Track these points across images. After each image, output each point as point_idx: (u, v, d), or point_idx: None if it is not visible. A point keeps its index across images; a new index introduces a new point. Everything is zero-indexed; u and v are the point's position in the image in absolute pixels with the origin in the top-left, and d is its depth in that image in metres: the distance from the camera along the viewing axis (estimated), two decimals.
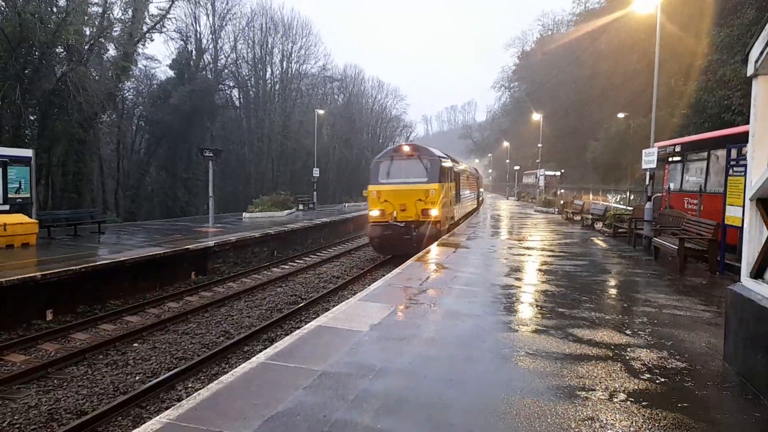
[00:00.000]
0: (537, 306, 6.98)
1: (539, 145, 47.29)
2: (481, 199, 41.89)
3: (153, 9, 32.65)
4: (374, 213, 16.41)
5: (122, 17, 31.77)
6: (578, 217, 22.32)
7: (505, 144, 73.48)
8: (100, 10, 29.96)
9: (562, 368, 4.56)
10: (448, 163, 18.47)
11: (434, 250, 12.61)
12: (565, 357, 4.86)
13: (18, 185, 15.70)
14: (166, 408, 5.52)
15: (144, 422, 3.58)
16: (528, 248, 13.33)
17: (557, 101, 55.99)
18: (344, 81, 72.64)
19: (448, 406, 3.82)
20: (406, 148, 17.31)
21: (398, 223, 15.92)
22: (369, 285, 8.31)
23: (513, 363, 4.72)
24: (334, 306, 7.17)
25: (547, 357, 4.85)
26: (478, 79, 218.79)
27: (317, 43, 63.56)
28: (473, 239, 15.47)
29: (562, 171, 49.37)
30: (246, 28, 54.70)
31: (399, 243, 15.82)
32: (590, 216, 20.18)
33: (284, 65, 58.68)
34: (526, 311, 6.75)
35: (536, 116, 46.45)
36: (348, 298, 7.82)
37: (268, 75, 57.52)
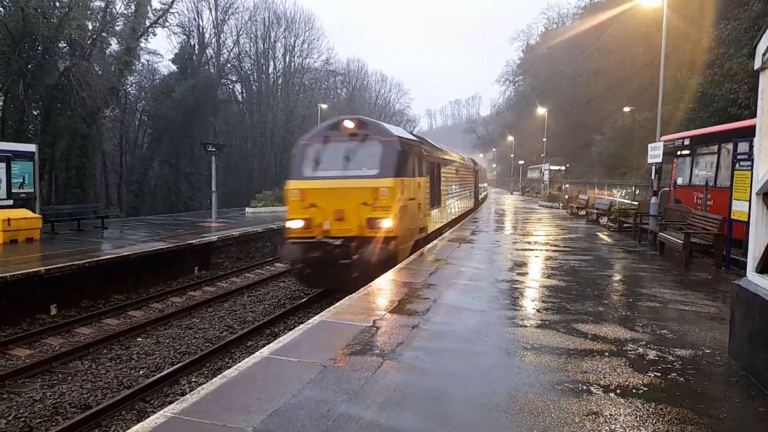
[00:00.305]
0: (542, 301, 6.96)
1: (544, 139, 47.18)
2: (483, 195, 37.63)
3: (156, 3, 32.67)
4: (295, 224, 10.76)
5: (125, 12, 31.87)
6: (583, 212, 22.24)
7: (510, 138, 73.24)
8: (103, 4, 30.01)
9: (566, 363, 4.54)
10: (417, 148, 12.80)
11: (438, 245, 12.58)
12: (570, 352, 4.84)
13: (21, 180, 15.75)
14: (170, 402, 5.54)
15: (148, 416, 3.58)
16: (533, 243, 13.29)
17: (562, 95, 55.77)
18: (347, 75, 72.57)
19: (451, 400, 3.81)
20: (349, 124, 11.41)
21: (331, 240, 10.49)
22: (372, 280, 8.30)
23: (517, 358, 4.70)
24: (337, 301, 7.16)
25: (551, 352, 4.83)
26: (483, 73, 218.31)
27: (320, 37, 63.38)
28: (477, 234, 15.42)
29: (567, 165, 49.17)
30: (248, 22, 54.70)
31: (333, 271, 10.55)
32: (595, 211, 20.10)
33: (287, 59, 58.65)
34: (530, 306, 6.73)
35: (541, 110, 46.28)
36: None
37: (270, 69, 57.53)
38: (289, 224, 10.93)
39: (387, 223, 10.44)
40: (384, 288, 7.67)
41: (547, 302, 6.85)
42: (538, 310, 6.44)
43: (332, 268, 10.45)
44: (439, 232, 15.32)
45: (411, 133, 14.65)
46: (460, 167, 21.50)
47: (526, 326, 5.71)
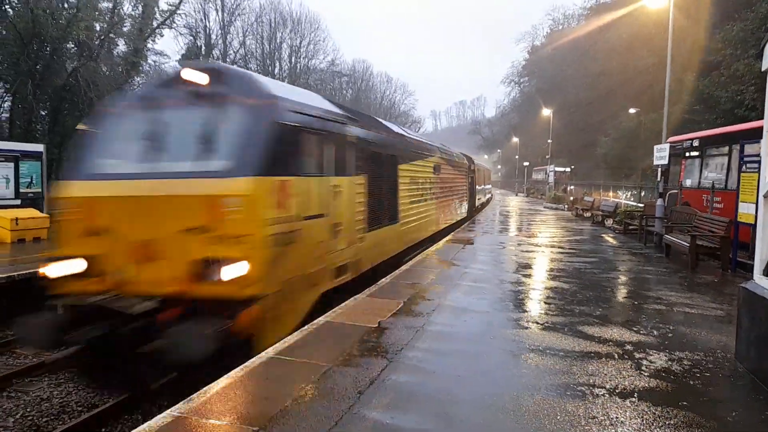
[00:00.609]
0: (547, 303, 6.96)
1: (549, 140, 47.07)
2: (486, 199, 33.39)
3: (163, 4, 32.83)
4: (62, 268, 5.46)
5: (132, 13, 32.00)
6: (588, 214, 22.19)
7: (515, 140, 73.15)
8: (111, 5, 30.16)
9: (571, 366, 4.54)
10: (335, 126, 7.43)
11: (439, 245, 12.55)
12: (575, 354, 4.84)
13: (29, 180, 15.86)
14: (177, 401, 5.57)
15: (155, 415, 3.61)
16: (537, 245, 13.27)
17: (567, 96, 55.68)
18: (353, 76, 72.62)
19: (457, 401, 3.82)
20: (192, 76, 5.90)
21: (125, 305, 5.17)
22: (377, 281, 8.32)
23: (522, 360, 4.70)
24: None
25: (557, 354, 4.83)
26: (488, 74, 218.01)
27: (325, 38, 63.47)
28: (483, 235, 15.41)
29: (572, 167, 49.07)
30: (255, 24, 54.86)
31: (128, 361, 5.34)
32: (600, 212, 20.06)
33: (293, 60, 58.86)
34: (535, 308, 6.72)
35: (546, 112, 46.23)
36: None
37: (276, 70, 57.63)
38: (48, 270, 5.45)
39: (237, 269, 5.12)
40: (390, 289, 7.64)
41: (552, 304, 6.85)
42: (543, 312, 6.44)
43: (125, 356, 5.30)
44: (391, 264, 9.78)
45: (343, 108, 8.78)
46: (442, 163, 15.55)
47: (531, 328, 5.71)
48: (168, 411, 3.61)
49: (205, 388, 3.99)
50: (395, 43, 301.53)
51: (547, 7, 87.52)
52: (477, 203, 26.09)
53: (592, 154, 44.34)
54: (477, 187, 25.77)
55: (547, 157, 48.20)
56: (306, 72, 60.22)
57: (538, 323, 5.91)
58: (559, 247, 12.73)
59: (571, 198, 30.93)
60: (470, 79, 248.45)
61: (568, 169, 47.92)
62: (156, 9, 32.34)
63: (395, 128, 11.65)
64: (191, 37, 47.54)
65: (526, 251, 12.04)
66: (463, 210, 20.42)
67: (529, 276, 8.97)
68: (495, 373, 4.40)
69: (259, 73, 55.79)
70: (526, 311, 6.57)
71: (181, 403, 3.75)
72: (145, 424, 3.42)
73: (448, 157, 17.39)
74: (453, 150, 20.26)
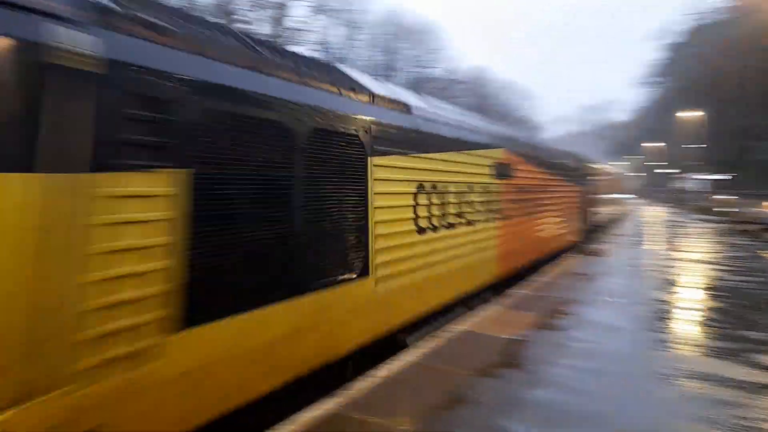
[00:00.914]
0: (703, 324, 6.29)
1: (695, 146, 42.57)
2: (614, 211, 26.00)
3: (291, 23, 35.59)
4: None
5: (270, 33, 35.05)
6: (747, 227, 19.68)
7: (649, 145, 67.13)
8: (244, 26, 33.35)
9: (739, 397, 4.06)
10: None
11: (570, 259, 11.90)
12: (743, 384, 4.31)
13: None
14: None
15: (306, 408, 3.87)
16: (685, 260, 12.04)
17: (717, 97, 49.89)
18: (470, 83, 72.18)
19: (607, 424, 3.61)
20: None
21: None
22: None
23: (679, 386, 4.30)
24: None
25: (721, 383, 4.34)
26: (616, 76, 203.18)
27: (443, 47, 64.03)
28: (619, 247, 14.34)
29: (733, 175, 43.54)
30: (376, 36, 57.01)
31: None
32: (763, 226, 17.72)
33: (412, 70, 60.04)
34: (688, 329, 6.11)
35: (690, 115, 41.88)
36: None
37: (400, 80, 59.21)
38: None
39: None
40: (525, 302, 7.43)
41: (710, 326, 6.18)
42: (699, 335, 5.84)
43: None
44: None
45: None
46: (518, 162, 9.20)
47: (685, 352, 5.20)
48: (320, 405, 3.84)
49: (348, 386, 4.20)
50: (510, 47, 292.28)
51: (684, 2, 77.45)
52: (597, 220, 19.25)
53: (749, 160, 39.24)
54: (599, 197, 19.58)
55: (693, 163, 43.60)
56: (425, 81, 61.09)
57: (693, 346, 5.36)
58: (713, 263, 11.44)
59: (725, 209, 27.62)
60: (596, 81, 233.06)
61: (719, 177, 42.68)
62: (285, 28, 35.04)
63: (382, 87, 5.90)
64: (320, 51, 50.64)
65: (672, 266, 10.97)
66: (566, 233, 13.41)
67: (677, 293, 8.17)
68: (648, 398, 4.08)
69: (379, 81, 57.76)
70: (678, 332, 5.99)
71: (331, 398, 3.97)
72: (300, 415, 3.66)
73: (537, 153, 10.89)
74: (548, 144, 14.34)
